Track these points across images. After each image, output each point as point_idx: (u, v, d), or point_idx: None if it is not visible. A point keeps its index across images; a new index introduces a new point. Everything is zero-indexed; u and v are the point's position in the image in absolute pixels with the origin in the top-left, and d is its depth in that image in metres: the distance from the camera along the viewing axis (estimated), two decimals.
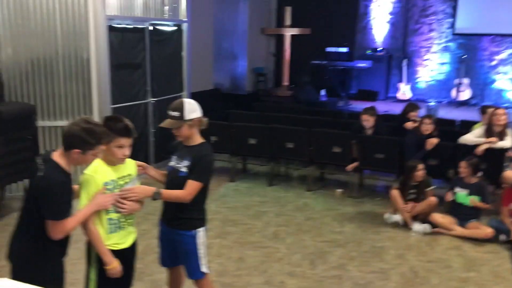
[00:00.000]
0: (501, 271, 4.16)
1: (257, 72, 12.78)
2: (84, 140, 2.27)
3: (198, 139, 2.83)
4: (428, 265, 4.23)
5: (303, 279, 3.92)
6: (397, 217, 5.04)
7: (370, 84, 12.12)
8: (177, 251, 2.92)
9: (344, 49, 11.89)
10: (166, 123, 2.76)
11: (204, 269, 2.90)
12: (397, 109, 9.64)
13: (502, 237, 4.67)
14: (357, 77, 12.56)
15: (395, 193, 5.07)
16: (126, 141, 2.47)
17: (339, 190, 6.07)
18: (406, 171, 5.02)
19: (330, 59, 11.85)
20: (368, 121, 5.83)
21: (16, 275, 2.04)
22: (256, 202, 5.72)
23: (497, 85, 11.30)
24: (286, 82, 12.69)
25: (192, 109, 2.76)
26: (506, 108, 6.44)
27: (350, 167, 5.87)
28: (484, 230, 4.70)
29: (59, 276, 2.43)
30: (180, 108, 2.72)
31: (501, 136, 5.32)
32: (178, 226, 2.84)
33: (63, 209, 2.30)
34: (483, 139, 5.36)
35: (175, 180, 2.79)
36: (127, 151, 2.49)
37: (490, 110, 5.56)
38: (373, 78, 12.05)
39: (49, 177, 2.25)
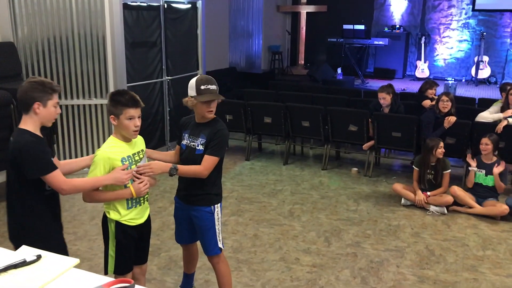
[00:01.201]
0: None
1: (273, 51, 12.68)
2: (38, 89, 2.29)
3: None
4: (444, 243, 4.22)
5: (318, 256, 3.94)
6: (409, 198, 5.01)
7: (387, 62, 11.95)
8: (194, 228, 2.94)
9: (361, 27, 11.70)
10: (219, 97, 2.75)
11: (220, 245, 2.93)
12: (414, 87, 9.56)
13: None
14: (375, 55, 12.40)
15: (397, 187, 5.09)
16: (135, 112, 2.47)
17: (355, 169, 6.05)
18: (426, 149, 4.95)
19: (346, 37, 11.69)
20: (384, 99, 5.76)
21: None
22: (271, 180, 5.74)
23: None
24: (302, 61, 12.59)
25: None
26: None
27: (366, 145, 5.85)
28: (500, 207, 4.67)
29: (61, 248, 2.47)
30: (216, 83, 2.75)
31: None
32: (196, 202, 2.85)
33: (47, 162, 2.29)
34: (501, 115, 5.29)
35: (191, 158, 2.79)
36: (138, 121, 2.50)
37: (508, 88, 5.48)
38: (391, 56, 11.87)
39: (18, 140, 2.27)
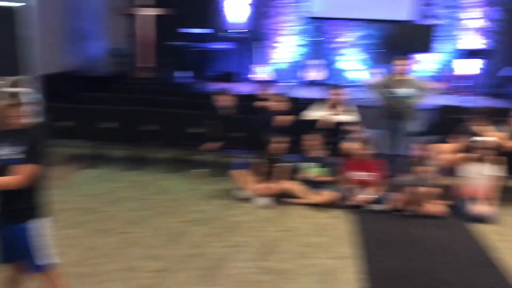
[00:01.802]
0: (344, 233, 4.60)
1: (117, 54, 12.25)
2: None
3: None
4: (281, 234, 4.51)
5: (162, 260, 3.92)
6: (246, 194, 5.27)
7: (228, 66, 12.39)
8: (15, 246, 2.70)
9: (203, 31, 11.95)
10: (10, 101, 2.49)
11: (47, 260, 2.73)
12: (253, 89, 10.00)
13: (343, 202, 5.17)
14: (217, 59, 12.71)
15: (236, 173, 5.34)
16: None
17: (200, 170, 6.14)
18: (262, 145, 5.26)
19: (190, 41, 11.84)
20: (223, 102, 5.97)
21: None
22: (114, 188, 5.53)
23: (342, 66, 12.32)
24: (147, 64, 12.39)
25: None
26: (347, 87, 7.05)
27: (209, 146, 5.97)
28: (328, 196, 5.16)
29: None
30: (21, 85, 2.52)
31: (339, 111, 5.89)
32: (15, 218, 2.62)
33: None
34: (322, 113, 5.86)
35: (6, 169, 2.55)
36: None
37: (333, 88, 6.10)
38: (232, 59, 12.34)
39: None
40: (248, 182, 5.28)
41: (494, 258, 4.20)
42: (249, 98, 7.14)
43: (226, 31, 12.69)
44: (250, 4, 12.56)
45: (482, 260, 4.19)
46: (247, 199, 5.24)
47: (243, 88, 10.81)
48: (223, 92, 6.05)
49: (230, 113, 6.02)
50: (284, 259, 4.05)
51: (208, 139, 5.94)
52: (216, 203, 5.18)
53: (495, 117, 5.76)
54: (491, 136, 5.35)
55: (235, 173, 5.38)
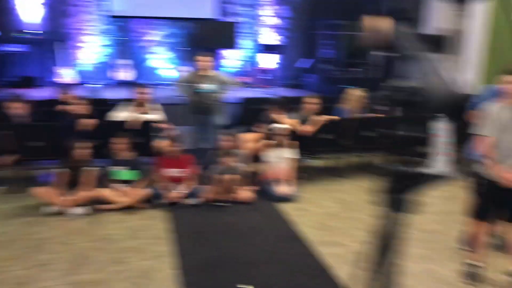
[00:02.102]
0: (161, 232, 4.59)
1: None
2: None
3: None
4: (94, 244, 4.30)
5: None
6: (54, 208, 4.92)
7: (29, 69, 11.34)
8: None
9: None
10: None
11: None
12: (55, 93, 9.37)
13: (157, 201, 5.17)
14: (12, 63, 11.52)
15: (38, 190, 4.97)
16: None
17: None
18: (65, 152, 4.94)
19: None
20: (17, 109, 5.43)
21: None
22: None
23: (152, 64, 12.28)
24: None
25: None
26: (157, 85, 7.04)
27: (3, 161, 5.37)
28: (139, 195, 5.09)
29: None
30: None
31: (145, 110, 5.87)
32: None
33: None
34: (129, 113, 5.78)
35: None
36: None
37: (138, 88, 6.03)
38: (32, 62, 11.32)
39: None
40: (53, 195, 4.91)
41: (298, 232, 4.65)
42: (49, 103, 6.64)
43: (20, 32, 11.55)
44: (44, 3, 11.63)
45: (288, 236, 4.60)
46: (55, 213, 4.87)
47: (45, 93, 10.02)
48: (15, 99, 5.50)
49: (25, 121, 5.50)
50: (97, 269, 3.87)
51: (2, 152, 5.34)
52: (17, 222, 4.70)
53: (291, 105, 6.38)
54: (286, 123, 5.90)
55: (38, 188, 4.94)
